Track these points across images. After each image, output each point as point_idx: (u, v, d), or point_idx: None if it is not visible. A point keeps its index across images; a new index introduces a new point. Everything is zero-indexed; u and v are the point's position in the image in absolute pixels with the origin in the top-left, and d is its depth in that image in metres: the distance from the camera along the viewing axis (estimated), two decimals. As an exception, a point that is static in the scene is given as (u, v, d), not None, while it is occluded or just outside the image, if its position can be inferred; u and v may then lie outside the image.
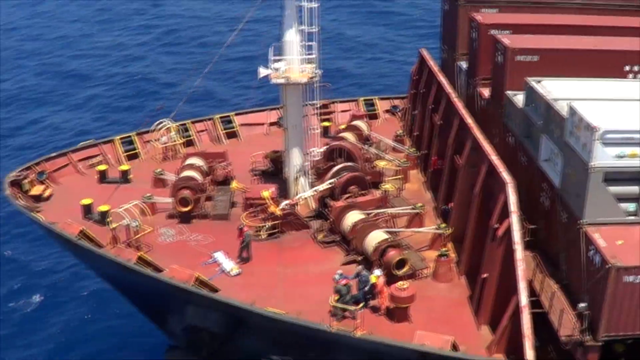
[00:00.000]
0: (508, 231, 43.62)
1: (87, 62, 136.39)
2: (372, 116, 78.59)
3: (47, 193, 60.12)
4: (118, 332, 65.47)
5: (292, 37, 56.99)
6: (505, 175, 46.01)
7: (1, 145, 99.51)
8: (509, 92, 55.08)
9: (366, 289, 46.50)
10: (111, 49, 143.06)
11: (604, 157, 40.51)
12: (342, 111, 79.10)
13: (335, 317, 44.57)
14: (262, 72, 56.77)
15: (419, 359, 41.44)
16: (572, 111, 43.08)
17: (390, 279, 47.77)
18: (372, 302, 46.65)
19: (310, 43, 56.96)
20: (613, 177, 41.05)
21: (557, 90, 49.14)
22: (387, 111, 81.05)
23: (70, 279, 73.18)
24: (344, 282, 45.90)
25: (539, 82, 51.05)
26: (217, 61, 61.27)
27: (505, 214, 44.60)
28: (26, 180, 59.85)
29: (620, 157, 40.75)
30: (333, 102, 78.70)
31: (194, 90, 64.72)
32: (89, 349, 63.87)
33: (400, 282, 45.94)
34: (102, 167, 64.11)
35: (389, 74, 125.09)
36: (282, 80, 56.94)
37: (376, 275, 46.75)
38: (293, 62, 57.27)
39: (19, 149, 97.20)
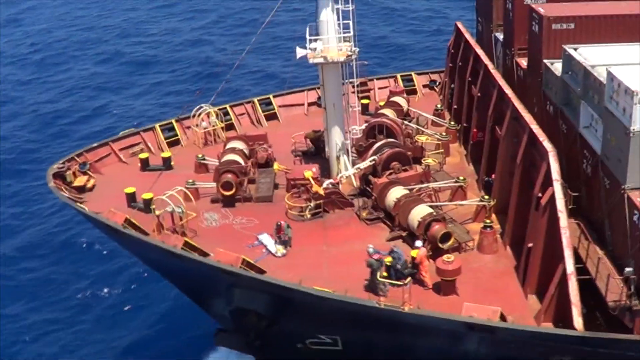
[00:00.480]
0: (551, 200, 43.53)
1: (139, 48, 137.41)
2: (411, 92, 78.57)
3: (90, 183, 60.42)
4: (167, 318, 66.37)
5: (328, 16, 57.04)
6: (547, 144, 45.91)
7: (59, 135, 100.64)
8: (547, 61, 54.92)
9: (398, 266, 46.39)
10: (161, 35, 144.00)
11: (644, 121, 40.33)
12: (380, 88, 79.16)
13: (373, 291, 45.34)
14: (300, 52, 56.85)
15: (468, 331, 41.63)
16: (611, 76, 42.88)
17: (436, 253, 48.05)
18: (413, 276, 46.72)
19: (346, 21, 56.95)
20: (655, 141, 40.86)
21: (595, 56, 48.94)
22: (425, 86, 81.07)
23: (118, 268, 73.97)
24: (377, 256, 46.24)
25: (576, 49, 50.85)
26: (255, 43, 61.55)
27: (547, 183, 44.50)
28: (69, 172, 60.17)
29: (661, 120, 40.57)
30: (371, 79, 78.85)
31: (232, 73, 64.88)
32: (141, 335, 64.72)
33: (446, 255, 46.01)
34: (144, 155, 64.37)
35: (426, 49, 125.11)
36: (319, 60, 56.98)
37: (417, 248, 47.18)
38: (330, 41, 57.32)
39: (75, 138, 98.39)
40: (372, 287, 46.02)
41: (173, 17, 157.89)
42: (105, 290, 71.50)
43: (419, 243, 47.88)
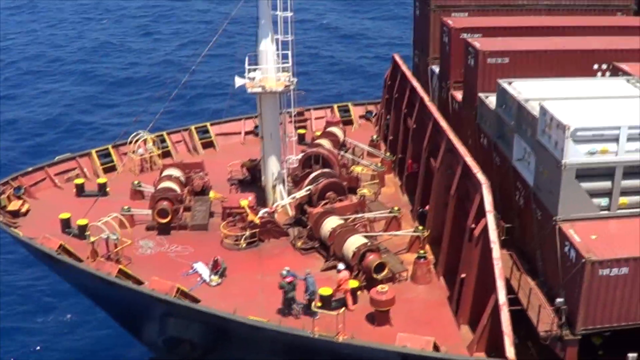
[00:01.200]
0: (484, 231, 44.10)
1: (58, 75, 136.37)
2: (347, 122, 79.16)
3: (24, 208, 59.87)
4: (98, 346, 65.26)
5: (267, 47, 57.32)
6: (480, 176, 46.52)
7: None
8: (482, 94, 55.68)
9: (307, 294, 46.97)
10: (84, 61, 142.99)
11: (575, 155, 41.01)
12: (317, 118, 79.58)
13: (285, 314, 46.60)
14: (238, 81, 57.06)
15: (402, 361, 41.92)
16: (543, 110, 43.60)
17: (370, 283, 48.32)
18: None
19: (285, 52, 57.33)
20: (585, 173, 41.59)
21: (528, 90, 49.64)
22: (361, 117, 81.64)
23: (50, 294, 72.94)
24: (289, 279, 46.89)
25: (510, 83, 51.53)
26: (194, 71, 61.60)
27: (481, 214, 45.08)
28: (3, 196, 59.58)
29: (592, 153, 41.31)
30: (308, 110, 79.14)
31: (170, 100, 64.72)
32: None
33: (380, 286, 46.32)
34: (79, 181, 63.96)
35: (363, 80, 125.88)
36: (258, 90, 57.17)
37: (339, 269, 48.30)
38: (269, 71, 57.60)
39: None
40: (285, 308, 46.86)
41: (111, 43, 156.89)
42: (32, 316, 70.14)
43: (341, 266, 48.63)
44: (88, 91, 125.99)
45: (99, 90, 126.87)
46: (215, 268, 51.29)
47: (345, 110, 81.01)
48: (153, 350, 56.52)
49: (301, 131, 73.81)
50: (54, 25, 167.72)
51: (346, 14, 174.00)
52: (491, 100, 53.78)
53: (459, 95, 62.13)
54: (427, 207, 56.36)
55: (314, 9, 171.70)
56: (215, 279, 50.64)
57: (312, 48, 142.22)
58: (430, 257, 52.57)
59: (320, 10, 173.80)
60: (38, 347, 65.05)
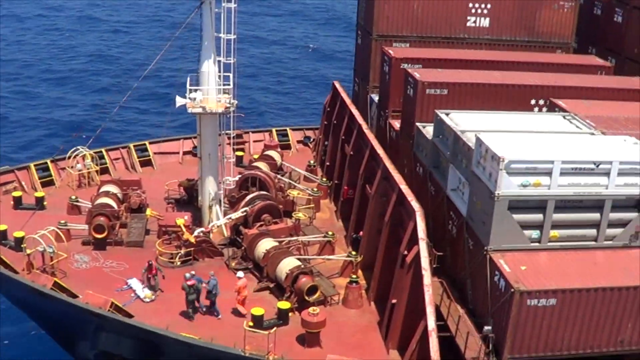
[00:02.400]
0: (416, 258, 44.53)
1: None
2: (285, 146, 79.33)
3: None
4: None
5: (209, 68, 57.57)
6: (414, 204, 47.09)
7: None
8: (419, 124, 56.42)
9: (209, 295, 49.55)
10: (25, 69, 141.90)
11: (509, 186, 41.73)
12: (256, 141, 79.75)
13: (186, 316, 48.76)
14: (179, 101, 57.19)
15: (329, 383, 42.27)
16: (479, 142, 44.34)
17: (302, 305, 48.77)
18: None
19: (227, 74, 57.59)
20: (517, 205, 42.34)
21: (465, 122, 50.52)
22: (299, 141, 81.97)
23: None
24: (191, 282, 48.41)
25: (447, 114, 52.30)
26: (136, 88, 61.67)
27: (414, 241, 45.56)
28: None
29: (525, 186, 42.05)
30: (247, 132, 79.46)
31: (111, 117, 64.72)
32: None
33: (312, 308, 46.60)
34: (17, 193, 63.54)
35: (302, 105, 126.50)
36: (198, 110, 57.34)
37: (239, 276, 49.97)
38: (210, 92, 57.85)
39: None
40: (186, 310, 48.87)
41: (54, 53, 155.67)
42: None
43: (240, 274, 50.34)
44: (25, 104, 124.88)
45: (36, 102, 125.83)
46: (150, 272, 51.63)
47: (283, 135, 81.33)
48: (84, 365, 56.26)
49: (239, 153, 73.93)
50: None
51: (290, 36, 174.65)
52: (428, 130, 54.52)
53: (397, 124, 62.84)
54: (361, 233, 56.75)
55: (258, 27, 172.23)
56: (149, 295, 50.70)
57: (253, 68, 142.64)
58: (362, 282, 52.92)
59: (263, 30, 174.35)
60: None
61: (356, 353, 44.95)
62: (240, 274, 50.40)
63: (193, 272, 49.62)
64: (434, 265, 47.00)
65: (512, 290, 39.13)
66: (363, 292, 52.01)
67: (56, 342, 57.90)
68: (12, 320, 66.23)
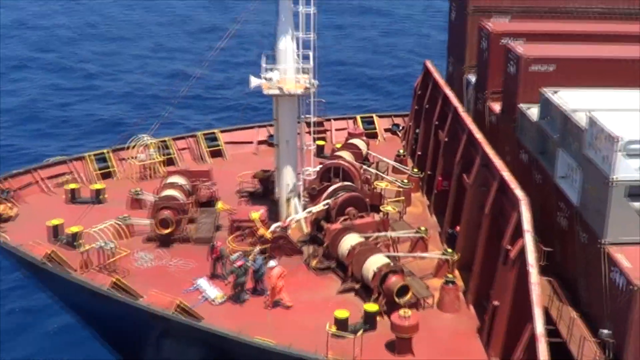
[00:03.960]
0: (521, 253, 43.42)
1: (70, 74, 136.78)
2: (371, 135, 78.54)
3: (12, 212, 59.70)
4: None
5: (286, 45, 57.01)
6: (518, 192, 45.91)
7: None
8: (522, 105, 55.33)
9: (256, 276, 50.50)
10: (85, 59, 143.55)
11: (626, 170, 40.66)
12: (338, 129, 79.28)
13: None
14: (254, 81, 56.80)
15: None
16: (592, 122, 43.23)
17: (391, 308, 47.76)
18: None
19: (306, 51, 57.02)
20: (637, 191, 41.06)
21: (576, 101, 49.35)
22: (387, 130, 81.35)
23: (34, 310, 72.63)
24: (239, 263, 49.01)
25: (555, 93, 51.19)
26: (204, 73, 61.35)
27: (517, 234, 44.44)
28: None
29: (645, 169, 40.85)
30: (328, 120, 78.83)
31: (177, 103, 64.47)
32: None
33: (403, 310, 45.72)
34: (72, 186, 63.69)
35: (390, 90, 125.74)
36: (275, 91, 56.84)
37: (271, 266, 49.95)
38: (287, 72, 57.23)
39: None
40: (234, 295, 50.30)
41: (114, 39, 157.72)
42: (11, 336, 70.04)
43: (273, 262, 50.34)
44: (83, 89, 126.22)
45: (95, 88, 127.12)
46: (214, 254, 51.97)
47: (369, 122, 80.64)
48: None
49: (320, 142, 73.21)
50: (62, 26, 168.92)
51: (371, 17, 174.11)
52: (533, 111, 53.53)
53: (496, 106, 61.72)
54: (457, 228, 55.83)
55: (336, 10, 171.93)
56: (219, 296, 50.32)
57: (333, 53, 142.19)
58: (460, 282, 52.06)
59: (341, 13, 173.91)
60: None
61: (453, 362, 43.95)
62: (272, 262, 50.16)
63: (240, 253, 50.12)
64: (542, 263, 45.71)
65: (633, 288, 37.88)
66: (460, 294, 51.08)
67: (117, 354, 57.86)
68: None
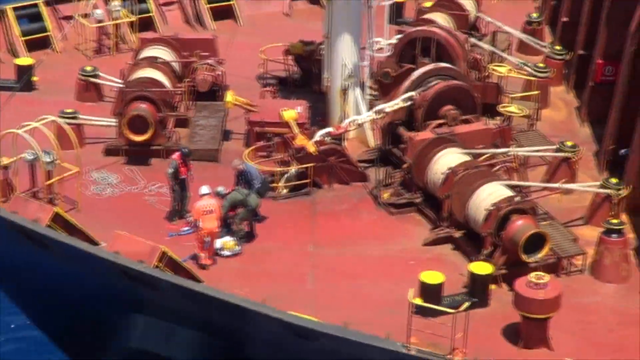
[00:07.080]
0: None
1: None
2: (484, -13, 78.84)
3: None
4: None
5: None
6: None
7: None
8: None
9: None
10: None
11: None
12: (429, -21, 79.41)
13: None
14: None
15: None
16: None
17: (515, 270, 48.06)
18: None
19: None
20: None
21: None
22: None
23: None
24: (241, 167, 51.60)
25: None
26: None
27: None
28: None
29: None
30: (412, -38, 79.14)
31: None
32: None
33: (535, 274, 45.54)
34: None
35: None
36: None
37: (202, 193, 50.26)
38: None
39: None
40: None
41: None
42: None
43: (205, 189, 49.99)
44: None
45: None
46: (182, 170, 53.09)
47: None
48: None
49: (399, -1, 73.53)
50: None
51: None
52: None
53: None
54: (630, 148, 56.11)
55: None
56: (229, 244, 50.82)
57: None
58: (630, 235, 52.59)
59: None
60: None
61: (616, 361, 44.57)
62: (204, 188, 49.97)
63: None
64: None
65: None
66: (631, 253, 51.42)
67: (50, 337, 58.85)
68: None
